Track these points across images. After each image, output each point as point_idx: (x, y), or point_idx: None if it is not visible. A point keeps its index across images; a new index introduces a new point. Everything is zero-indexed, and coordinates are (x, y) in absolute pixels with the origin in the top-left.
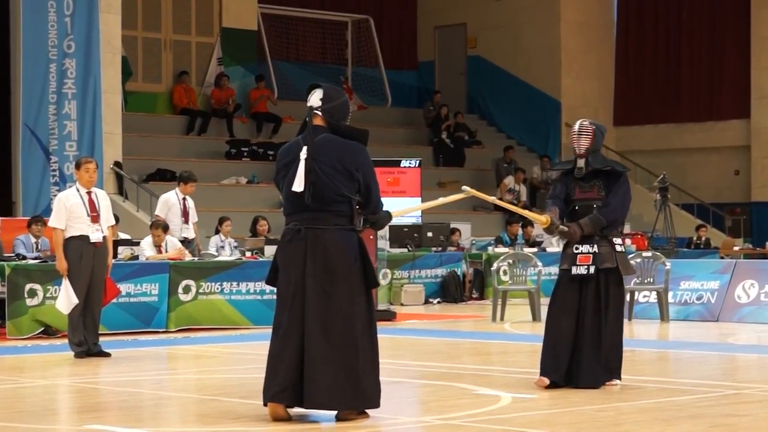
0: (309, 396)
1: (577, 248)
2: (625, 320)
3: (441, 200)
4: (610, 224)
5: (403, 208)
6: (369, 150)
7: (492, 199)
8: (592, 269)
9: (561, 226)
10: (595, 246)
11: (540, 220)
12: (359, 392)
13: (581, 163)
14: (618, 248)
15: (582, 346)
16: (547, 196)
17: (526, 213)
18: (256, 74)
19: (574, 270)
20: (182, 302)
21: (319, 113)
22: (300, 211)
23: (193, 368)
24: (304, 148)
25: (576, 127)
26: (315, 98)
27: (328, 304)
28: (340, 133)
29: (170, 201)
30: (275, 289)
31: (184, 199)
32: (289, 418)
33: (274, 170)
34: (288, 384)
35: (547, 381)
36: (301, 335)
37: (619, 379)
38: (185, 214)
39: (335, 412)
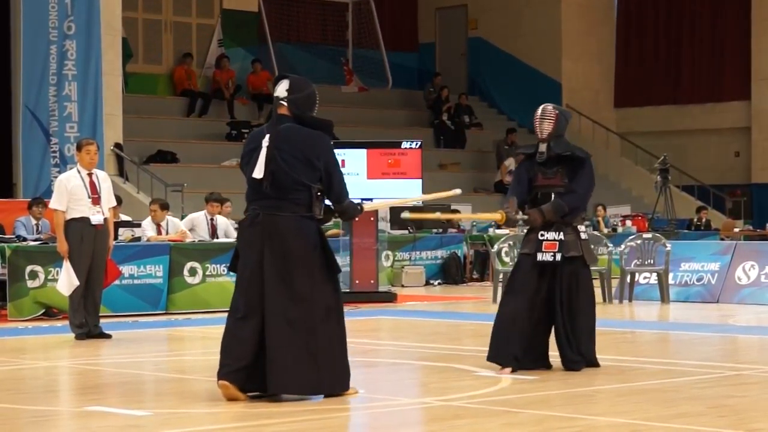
0: (273, 379)
1: (542, 235)
2: (625, 301)
3: (422, 196)
4: (572, 211)
5: (378, 203)
6: (370, 131)
7: (437, 215)
8: (558, 256)
9: (520, 216)
10: (561, 234)
11: (494, 217)
12: (322, 376)
13: (543, 147)
14: (582, 236)
15: (558, 337)
16: (511, 183)
17: (478, 216)
18: (253, 58)
19: (540, 257)
20: (190, 285)
21: (285, 103)
22: (260, 198)
23: (195, 349)
24: (267, 136)
25: (539, 111)
26: (281, 89)
27: (286, 290)
28: (304, 124)
29: (195, 220)
30: None
31: (212, 219)
32: (244, 399)
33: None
34: (243, 365)
35: (508, 369)
36: (259, 320)
37: (598, 366)
38: (213, 233)
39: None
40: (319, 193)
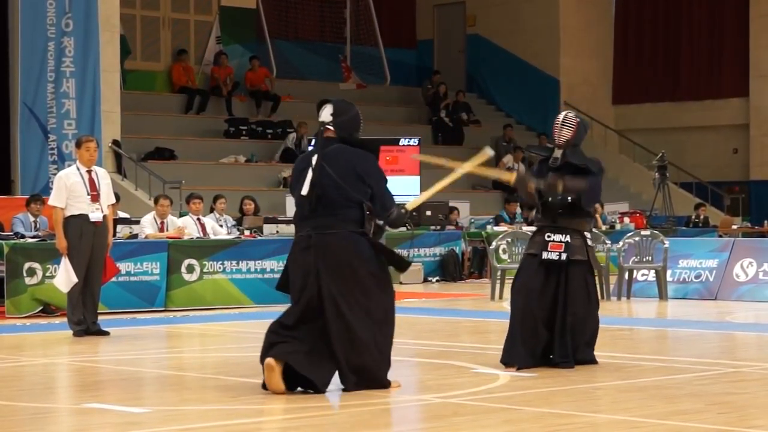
0: (348, 376)
1: (549, 236)
2: (623, 298)
3: (460, 168)
4: (586, 195)
5: (417, 199)
6: (368, 128)
7: (443, 161)
8: (563, 256)
9: (540, 181)
10: (568, 237)
11: (506, 175)
12: (381, 377)
13: (558, 153)
14: (589, 242)
15: (554, 337)
16: None
17: (491, 171)
18: (251, 55)
19: (545, 255)
20: (188, 282)
21: (331, 127)
22: (310, 217)
23: (193, 347)
24: (315, 156)
25: (560, 117)
26: (326, 113)
27: (346, 303)
28: (352, 145)
29: (185, 223)
30: (279, 275)
31: (198, 219)
32: (283, 391)
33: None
34: (299, 350)
35: (514, 367)
36: (318, 333)
37: (596, 362)
38: (203, 233)
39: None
40: (368, 212)
